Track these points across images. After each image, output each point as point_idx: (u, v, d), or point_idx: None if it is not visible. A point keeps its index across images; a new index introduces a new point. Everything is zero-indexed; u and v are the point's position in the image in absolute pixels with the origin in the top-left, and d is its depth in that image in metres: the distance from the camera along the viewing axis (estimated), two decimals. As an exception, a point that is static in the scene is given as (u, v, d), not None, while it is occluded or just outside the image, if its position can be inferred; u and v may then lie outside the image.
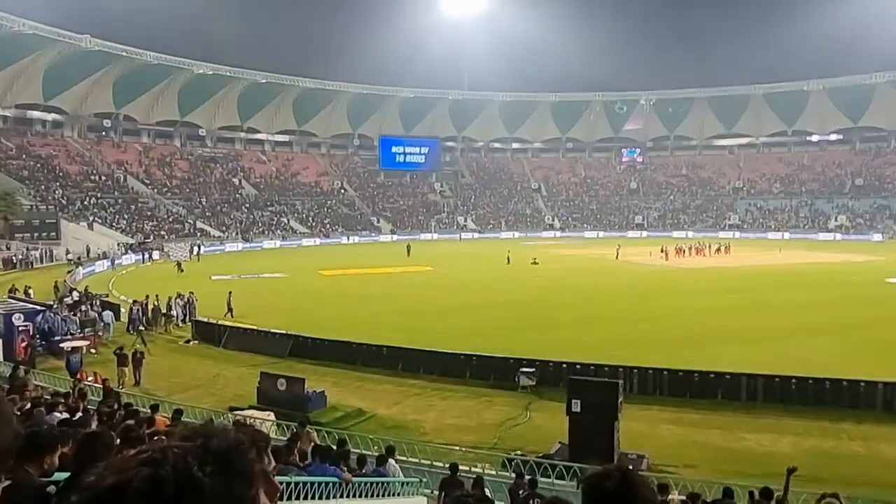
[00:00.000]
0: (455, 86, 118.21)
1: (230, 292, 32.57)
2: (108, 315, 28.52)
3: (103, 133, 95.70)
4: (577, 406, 15.00)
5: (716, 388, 19.57)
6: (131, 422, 8.19)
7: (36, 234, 61.60)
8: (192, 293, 31.74)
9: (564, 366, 20.38)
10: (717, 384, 19.63)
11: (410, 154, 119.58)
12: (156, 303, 30.96)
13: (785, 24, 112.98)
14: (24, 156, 79.35)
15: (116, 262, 57.07)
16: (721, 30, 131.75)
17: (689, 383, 19.82)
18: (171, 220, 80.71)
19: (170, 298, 31.23)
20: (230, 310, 31.47)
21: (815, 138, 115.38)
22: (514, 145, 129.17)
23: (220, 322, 28.53)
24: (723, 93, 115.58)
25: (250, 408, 17.80)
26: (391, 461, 11.59)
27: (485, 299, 36.87)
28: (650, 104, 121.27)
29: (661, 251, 61.53)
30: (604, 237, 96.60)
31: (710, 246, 67.10)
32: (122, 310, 31.26)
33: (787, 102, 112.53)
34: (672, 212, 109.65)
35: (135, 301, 30.43)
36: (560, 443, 15.38)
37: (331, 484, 8.63)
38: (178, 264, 53.16)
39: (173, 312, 30.60)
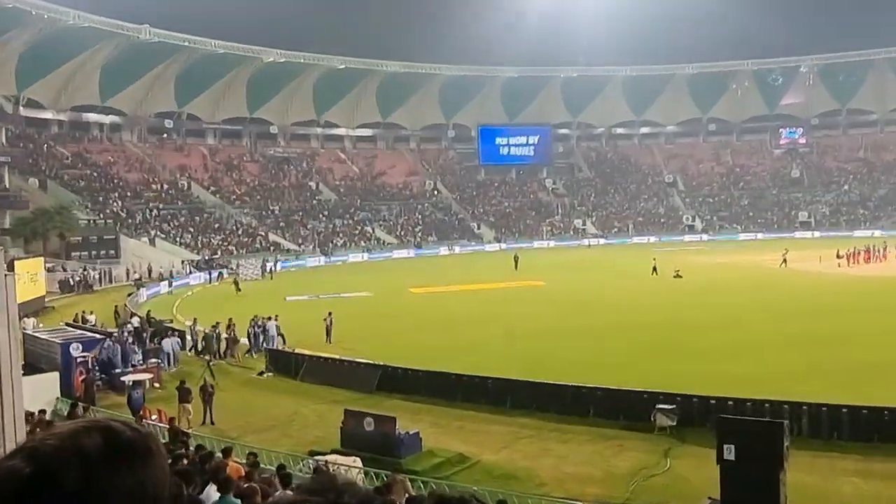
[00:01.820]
0: (568, 61, 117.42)
1: (329, 313, 33.67)
2: (168, 343, 29.87)
3: (165, 135, 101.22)
4: (730, 452, 14.51)
5: (914, 431, 18.40)
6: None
7: (94, 253, 65.62)
8: (274, 317, 32.80)
9: (713, 402, 19.78)
10: (916, 426, 18.45)
11: (516, 146, 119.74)
12: (232, 328, 32.33)
13: None
14: (80, 164, 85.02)
15: (175, 283, 59.71)
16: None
17: (878, 424, 18.78)
18: (240, 232, 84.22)
19: (253, 321, 32.40)
20: (328, 334, 32.65)
21: None
22: (643, 130, 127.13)
23: (296, 351, 29.38)
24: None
25: (333, 452, 18.13)
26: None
27: (612, 321, 36.32)
28: (815, 71, 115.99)
29: (839, 256, 58.65)
30: (761, 240, 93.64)
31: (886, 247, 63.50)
32: (188, 337, 32.76)
33: None
34: (848, 205, 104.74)
35: (214, 326, 31.83)
36: (710, 498, 14.94)
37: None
38: (236, 283, 55.45)
39: (244, 340, 31.84)
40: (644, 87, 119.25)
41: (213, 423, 21.81)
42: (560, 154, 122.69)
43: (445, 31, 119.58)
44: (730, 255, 73.46)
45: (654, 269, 55.61)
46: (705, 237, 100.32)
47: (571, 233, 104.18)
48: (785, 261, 57.94)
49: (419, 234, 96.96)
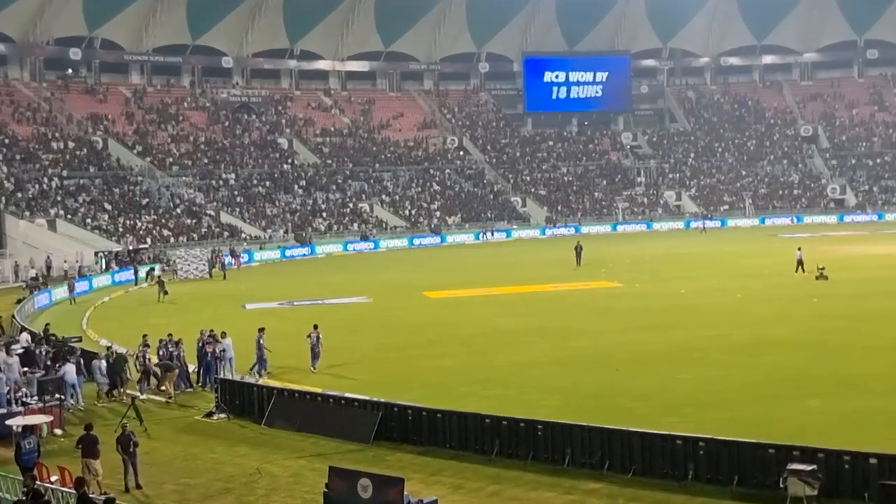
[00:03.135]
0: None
1: (315, 327, 33.99)
2: (71, 370, 29.84)
3: (70, 71, 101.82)
4: (899, 535, 14.33)
5: None
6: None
7: (-32, 241, 66.12)
8: (259, 331, 33.22)
9: (873, 461, 19.45)
10: None
11: (578, 85, 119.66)
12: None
13: None
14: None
15: (77, 286, 58.51)
16: None
17: None
18: (179, 211, 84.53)
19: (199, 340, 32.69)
20: (315, 356, 33.15)
21: None
22: (767, 59, 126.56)
23: (261, 383, 29.38)
24: None
25: (313, 528, 18.16)
26: None
27: (719, 339, 36.24)
28: None
29: None
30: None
31: None
32: (102, 363, 32.89)
33: None
34: None
35: (166, 341, 32.11)
36: None
37: None
38: (160, 283, 56.18)
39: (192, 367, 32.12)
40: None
41: (139, 486, 21.81)
42: (643, 97, 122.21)
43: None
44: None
45: (800, 263, 55.31)
46: (860, 217, 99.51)
47: (660, 211, 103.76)
48: None
49: (438, 213, 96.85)
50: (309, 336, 33.48)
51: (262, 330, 33.21)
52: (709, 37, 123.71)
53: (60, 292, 56.68)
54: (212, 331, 33.02)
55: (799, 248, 57.55)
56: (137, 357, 31.65)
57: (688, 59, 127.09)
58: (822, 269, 53.37)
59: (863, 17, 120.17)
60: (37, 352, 32.24)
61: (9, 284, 61.01)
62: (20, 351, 31.98)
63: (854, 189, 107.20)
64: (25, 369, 29.82)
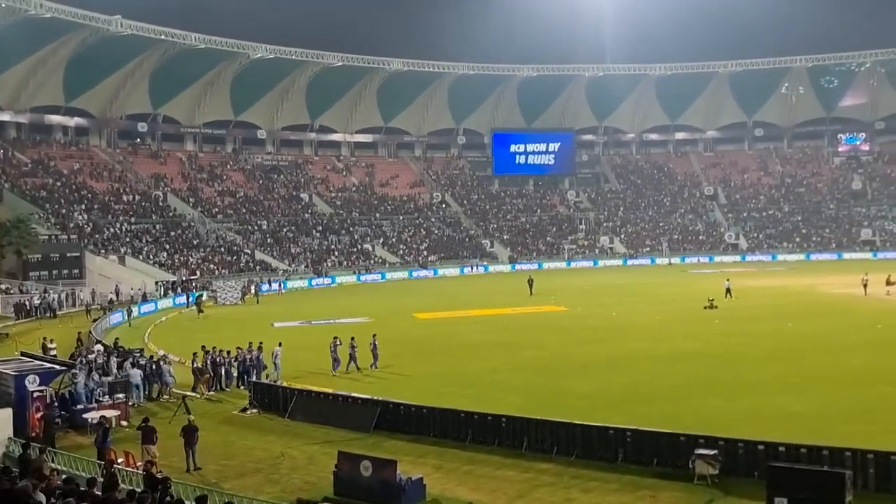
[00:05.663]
0: (594, 59, 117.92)
1: (374, 335, 34.99)
2: (135, 374, 29.70)
3: (137, 140, 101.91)
4: (782, 506, 14.28)
5: None
6: None
7: (55, 272, 65.72)
8: (353, 339, 34.28)
9: (762, 447, 19.48)
10: None
11: (534, 154, 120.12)
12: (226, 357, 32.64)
13: None
14: (41, 172, 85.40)
15: (141, 307, 58.79)
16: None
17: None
18: (222, 249, 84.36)
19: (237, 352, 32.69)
20: (376, 357, 34.21)
21: None
22: (679, 136, 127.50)
23: (284, 384, 29.27)
24: None
25: (325, 500, 18.07)
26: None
27: (643, 351, 36.30)
28: (880, 68, 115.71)
29: (888, 282, 57.67)
30: (819, 260, 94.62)
31: None
32: (166, 367, 32.65)
33: None
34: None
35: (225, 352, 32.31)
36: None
37: None
38: (199, 305, 56.07)
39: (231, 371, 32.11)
40: (681, 87, 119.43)
41: (198, 468, 21.50)
42: (584, 163, 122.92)
43: (455, 25, 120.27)
44: (779, 278, 73.37)
45: (728, 291, 55.22)
46: (750, 257, 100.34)
47: (597, 251, 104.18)
48: (865, 286, 56.88)
49: (424, 252, 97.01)
50: (370, 343, 34.49)
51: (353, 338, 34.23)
52: (634, 118, 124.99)
53: (125, 314, 56.43)
54: (252, 343, 33.15)
55: (728, 279, 57.60)
56: (217, 362, 31.70)
57: (618, 135, 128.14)
58: (712, 300, 51.73)
59: (751, 103, 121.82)
60: (139, 361, 32.00)
61: (88, 306, 60.60)
62: (92, 359, 31.72)
63: (745, 236, 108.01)
64: (98, 374, 29.66)
